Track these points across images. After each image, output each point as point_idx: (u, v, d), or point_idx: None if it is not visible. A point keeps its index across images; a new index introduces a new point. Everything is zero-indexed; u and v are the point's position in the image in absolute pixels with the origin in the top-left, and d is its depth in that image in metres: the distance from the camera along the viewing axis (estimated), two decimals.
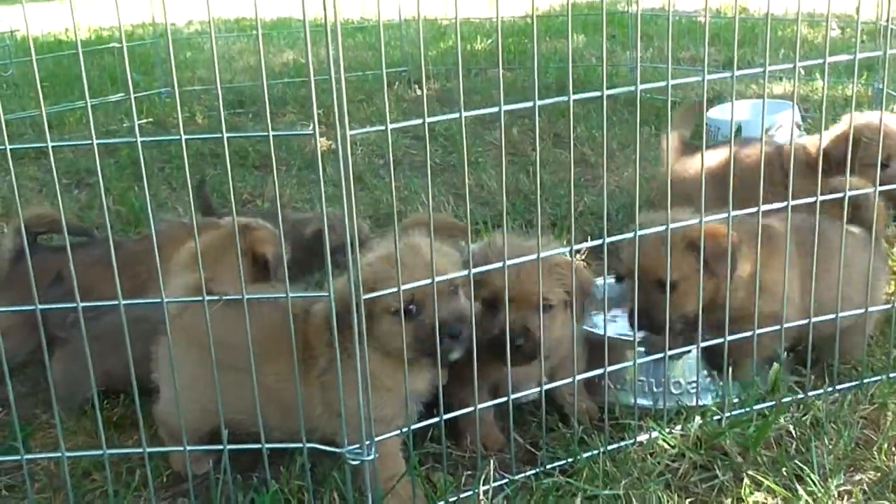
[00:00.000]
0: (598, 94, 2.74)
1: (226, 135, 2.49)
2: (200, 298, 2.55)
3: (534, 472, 2.88)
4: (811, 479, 2.73)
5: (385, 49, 7.57)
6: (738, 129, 5.85)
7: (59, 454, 2.65)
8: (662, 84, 2.85)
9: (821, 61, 2.97)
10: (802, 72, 7.00)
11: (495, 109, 2.59)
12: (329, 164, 6.03)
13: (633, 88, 2.80)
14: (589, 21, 9.54)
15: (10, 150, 2.45)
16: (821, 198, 3.05)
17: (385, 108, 2.48)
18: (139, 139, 2.49)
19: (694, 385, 3.20)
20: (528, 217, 5.02)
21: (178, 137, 2.50)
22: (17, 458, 2.69)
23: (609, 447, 2.93)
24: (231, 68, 8.71)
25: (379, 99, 7.55)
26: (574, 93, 2.68)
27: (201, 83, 8.27)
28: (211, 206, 4.54)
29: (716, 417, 3.04)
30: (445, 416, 2.73)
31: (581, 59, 8.35)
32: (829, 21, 3.02)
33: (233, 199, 2.57)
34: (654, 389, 3.22)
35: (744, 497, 2.71)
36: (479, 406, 2.75)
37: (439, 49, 9.15)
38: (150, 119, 7.48)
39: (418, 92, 7.87)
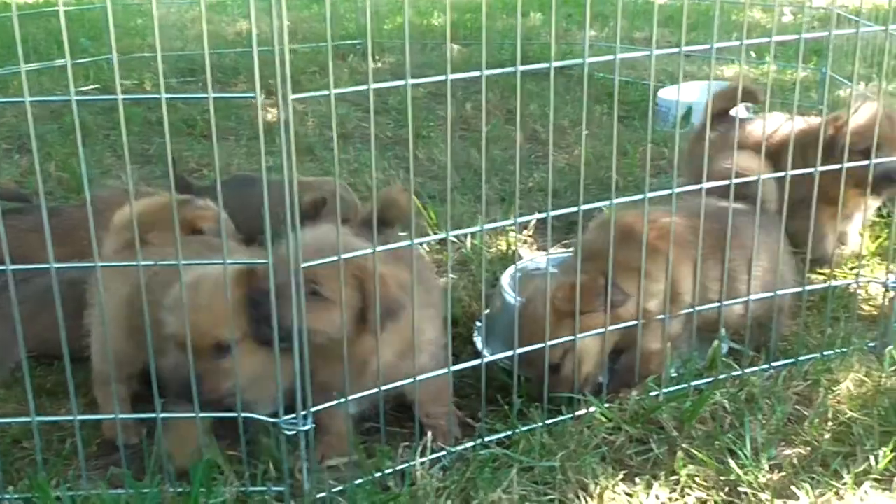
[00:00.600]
0: (546, 66, 2.73)
1: (164, 96, 2.43)
2: (135, 263, 2.51)
3: (471, 444, 2.88)
4: (743, 452, 2.76)
5: (341, 21, 7.50)
6: (689, 111, 5.89)
7: None
8: (610, 58, 2.85)
9: (768, 40, 2.98)
10: (753, 54, 7.06)
11: (443, 78, 2.57)
12: (278, 134, 5.99)
13: (580, 61, 2.79)
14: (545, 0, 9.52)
15: None
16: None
17: (330, 73, 2.43)
18: (73, 98, 2.42)
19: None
20: (478, 192, 5.00)
21: (115, 97, 2.43)
22: None
23: (547, 421, 2.95)
24: (183, 36, 8.58)
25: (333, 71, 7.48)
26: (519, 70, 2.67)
27: (151, 50, 8.13)
28: (189, 186, 4.45)
29: (653, 393, 3.06)
30: (384, 387, 2.72)
31: (537, 38, 8.34)
32: (780, 6, 3.03)
33: (171, 167, 2.52)
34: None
35: (677, 470, 2.74)
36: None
37: (395, 23, 9.08)
38: (97, 85, 7.34)
39: (373, 65, 7.81)
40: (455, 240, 4.28)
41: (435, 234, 4.35)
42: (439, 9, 9.41)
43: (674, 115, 5.93)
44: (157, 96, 2.45)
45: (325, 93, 2.46)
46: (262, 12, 2.28)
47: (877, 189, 3.66)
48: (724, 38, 2.97)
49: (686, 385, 3.09)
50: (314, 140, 5.91)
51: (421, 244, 4.16)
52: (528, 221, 4.42)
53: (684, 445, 2.82)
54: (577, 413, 2.99)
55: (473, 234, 4.19)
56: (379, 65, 7.85)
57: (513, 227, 2.86)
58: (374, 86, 2.51)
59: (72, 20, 8.37)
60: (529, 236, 4.50)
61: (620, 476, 2.74)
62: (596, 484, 2.69)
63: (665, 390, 3.07)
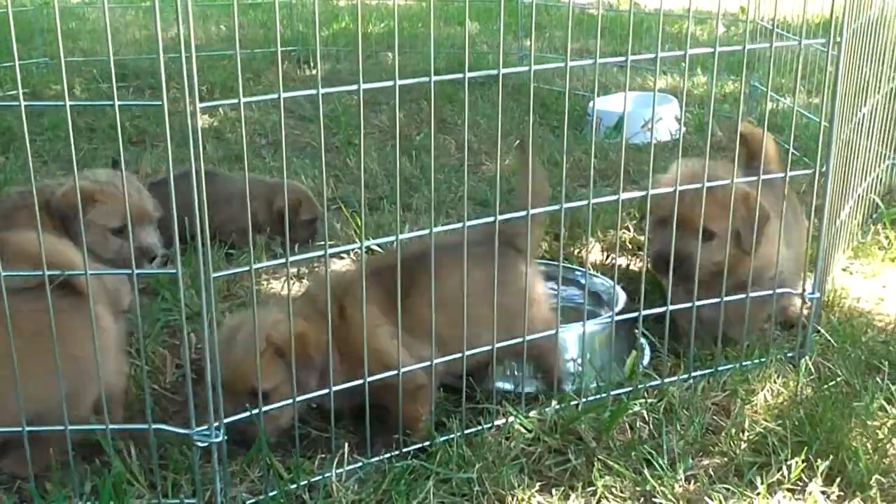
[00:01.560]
0: (494, 72, 2.74)
1: (68, 103, 2.38)
2: (41, 273, 2.45)
3: (388, 455, 2.86)
4: (659, 463, 2.78)
5: (280, 27, 7.38)
6: (619, 121, 5.94)
7: None
8: (559, 65, 2.86)
9: (682, 53, 3.02)
10: (683, 65, 7.14)
11: (354, 87, 2.55)
12: (209, 140, 5.92)
13: (527, 69, 2.80)
14: (482, 9, 9.54)
15: None
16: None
17: (238, 82, 2.41)
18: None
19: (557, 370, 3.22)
20: (408, 200, 4.99)
21: (19, 104, 2.38)
22: None
23: (466, 431, 2.93)
24: (116, 40, 8.44)
25: (266, 77, 7.42)
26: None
27: (83, 54, 8.01)
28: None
29: (573, 402, 3.07)
30: (299, 399, 2.69)
31: (472, 47, 8.36)
32: (719, 18, 3.06)
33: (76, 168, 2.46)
34: (516, 373, 3.23)
35: (594, 481, 2.74)
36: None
37: (332, 30, 9.03)
38: (27, 89, 7.20)
39: (308, 72, 7.76)
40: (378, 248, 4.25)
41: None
42: (377, 17, 9.39)
43: (606, 126, 6.00)
44: (62, 103, 2.39)
45: (235, 101, 2.43)
46: (197, 18, 2.27)
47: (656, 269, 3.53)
48: (652, 50, 3.00)
49: (605, 395, 3.10)
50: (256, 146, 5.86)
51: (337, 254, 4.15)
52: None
53: (602, 456, 2.83)
54: (497, 423, 2.98)
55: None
56: (313, 72, 7.80)
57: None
58: (284, 94, 2.48)
59: (2, 23, 8.19)
60: None
61: (537, 487, 2.73)
62: (513, 496, 2.69)
63: (584, 400, 3.07)
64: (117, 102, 2.40)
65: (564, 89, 2.88)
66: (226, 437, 2.53)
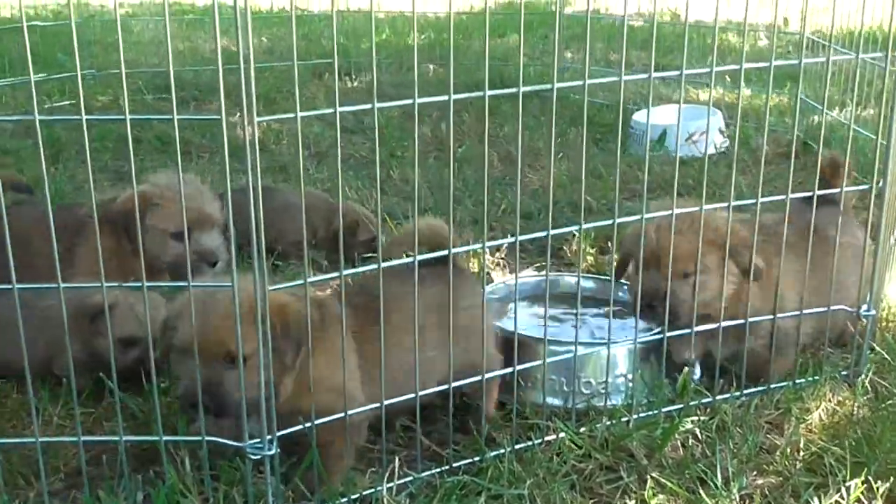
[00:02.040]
0: (514, 90, 2.72)
1: (129, 116, 2.40)
2: (98, 284, 2.47)
3: (439, 470, 2.84)
4: (714, 482, 2.74)
5: (318, 40, 7.49)
6: (663, 134, 5.91)
7: None
8: (579, 83, 2.84)
9: (737, 67, 2.99)
10: (728, 78, 7.09)
11: (410, 101, 2.55)
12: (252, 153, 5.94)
13: (548, 86, 2.78)
14: (524, 21, 9.54)
15: None
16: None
17: (296, 94, 2.41)
18: (37, 118, 2.39)
19: (604, 385, 3.20)
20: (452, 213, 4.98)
21: (80, 118, 2.40)
22: None
23: (516, 446, 2.92)
24: (160, 52, 8.53)
25: (308, 89, 7.46)
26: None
27: (128, 66, 8.08)
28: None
29: (624, 419, 3.04)
30: (350, 412, 2.69)
31: (514, 59, 8.35)
32: (746, 28, 3.04)
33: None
34: (565, 389, 3.21)
35: (647, 499, 2.71)
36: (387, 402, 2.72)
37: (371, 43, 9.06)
38: (73, 101, 7.29)
39: (349, 84, 7.80)
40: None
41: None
42: (417, 29, 9.42)
43: (649, 138, 5.96)
44: (122, 117, 2.41)
45: (292, 115, 2.44)
46: (242, 31, 2.26)
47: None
48: (700, 62, 2.97)
49: (656, 412, 3.07)
50: (288, 159, 5.88)
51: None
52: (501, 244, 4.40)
53: (654, 474, 2.80)
54: (547, 439, 2.97)
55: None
56: (355, 84, 7.84)
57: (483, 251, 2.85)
58: (341, 109, 2.49)
59: (49, 35, 8.30)
60: (502, 259, 4.47)
61: None
62: None
63: (635, 416, 3.04)
64: (176, 116, 2.39)
65: (609, 102, 2.88)
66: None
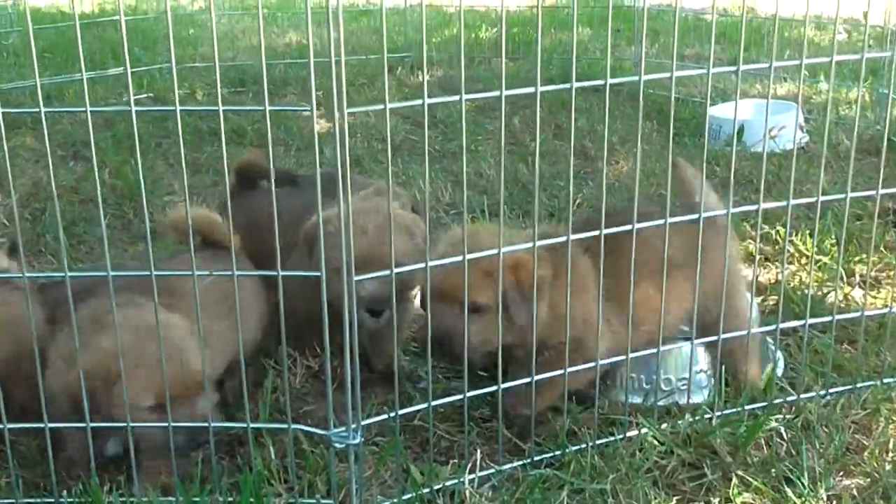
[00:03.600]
0: (601, 82, 2.70)
1: (221, 108, 2.44)
2: (190, 272, 2.51)
3: (521, 463, 2.85)
4: (801, 481, 2.70)
5: (389, 34, 7.53)
6: (741, 129, 5.82)
7: None
8: (666, 75, 2.81)
9: (828, 60, 2.92)
10: (807, 73, 6.97)
11: (497, 93, 2.55)
12: (326, 145, 5.99)
13: (636, 78, 2.76)
14: (595, 15, 9.47)
15: (3, 115, 2.41)
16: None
17: (385, 87, 2.42)
18: (133, 109, 2.44)
19: (685, 382, 3.17)
20: (526, 207, 4.98)
21: (174, 108, 2.44)
22: None
23: (597, 441, 2.90)
24: (234, 47, 8.64)
25: (381, 83, 7.49)
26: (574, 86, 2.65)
27: (203, 60, 8.21)
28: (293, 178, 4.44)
29: (706, 416, 3.01)
30: (434, 403, 2.70)
31: (585, 53, 8.31)
32: (837, 24, 2.98)
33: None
34: (644, 386, 3.19)
35: (732, 497, 2.68)
36: (469, 394, 2.73)
37: (443, 36, 9.09)
38: (150, 94, 7.42)
39: (420, 77, 7.81)
40: None
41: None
42: (487, 22, 9.41)
43: (726, 133, 5.88)
44: (214, 108, 2.44)
45: (381, 107, 2.45)
46: (316, 25, 2.28)
47: None
48: (778, 55, 2.92)
49: (740, 409, 3.03)
50: (362, 152, 5.92)
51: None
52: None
53: (739, 472, 2.76)
54: (628, 434, 2.95)
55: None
56: (427, 78, 7.86)
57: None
58: (429, 101, 2.49)
59: (125, 30, 8.47)
60: None
61: (673, 501, 2.69)
62: None
63: (718, 413, 3.01)
64: (268, 108, 2.42)
65: (681, 96, 2.81)
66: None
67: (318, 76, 2.33)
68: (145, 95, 7.34)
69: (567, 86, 2.66)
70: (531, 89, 2.60)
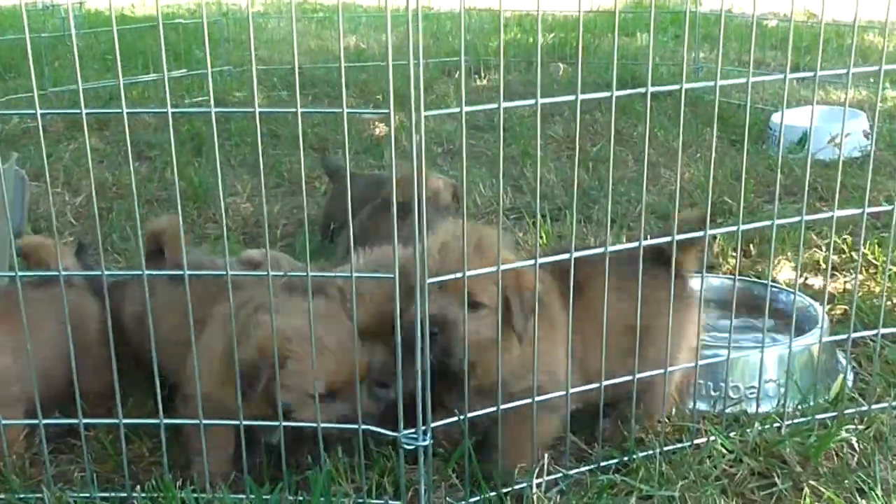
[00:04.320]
0: (676, 87, 2.68)
1: (300, 110, 2.47)
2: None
3: (588, 468, 2.84)
4: (874, 493, 2.66)
5: (446, 38, 7.61)
6: (804, 136, 5.75)
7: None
8: (709, 84, 2.79)
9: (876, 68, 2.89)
10: (872, 80, 6.87)
11: (531, 102, 2.53)
12: (385, 148, 6.03)
13: (678, 87, 2.73)
14: (654, 20, 9.43)
15: (85, 115, 2.47)
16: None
17: (462, 90, 2.43)
18: (213, 109, 2.48)
19: (753, 391, 3.14)
20: (588, 212, 4.97)
21: (252, 110, 2.48)
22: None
23: (665, 448, 2.89)
24: (292, 50, 8.72)
25: (439, 87, 7.53)
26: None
27: (262, 63, 8.30)
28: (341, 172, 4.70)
29: (775, 425, 2.98)
30: (503, 406, 2.70)
31: (644, 58, 8.24)
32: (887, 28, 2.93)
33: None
34: (712, 393, 3.17)
35: None
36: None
37: (499, 41, 9.09)
38: (207, 97, 7.51)
39: (478, 82, 7.83)
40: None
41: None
42: (545, 27, 9.40)
43: (788, 140, 5.82)
44: (292, 110, 2.47)
45: (457, 110, 2.46)
46: (369, 29, 2.32)
47: None
48: (839, 62, 2.88)
49: (810, 418, 2.99)
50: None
51: None
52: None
53: (811, 482, 2.73)
54: (696, 442, 2.93)
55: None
56: (484, 82, 7.87)
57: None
58: (505, 105, 2.50)
59: (186, 32, 8.59)
60: None
61: None
62: None
63: (787, 423, 2.98)
64: (346, 110, 2.44)
65: (743, 102, 2.78)
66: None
67: (381, 80, 2.35)
68: (206, 98, 7.43)
69: (607, 94, 2.65)
70: (571, 97, 2.60)
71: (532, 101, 2.51)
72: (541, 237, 4.51)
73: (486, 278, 2.61)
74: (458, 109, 2.47)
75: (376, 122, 6.61)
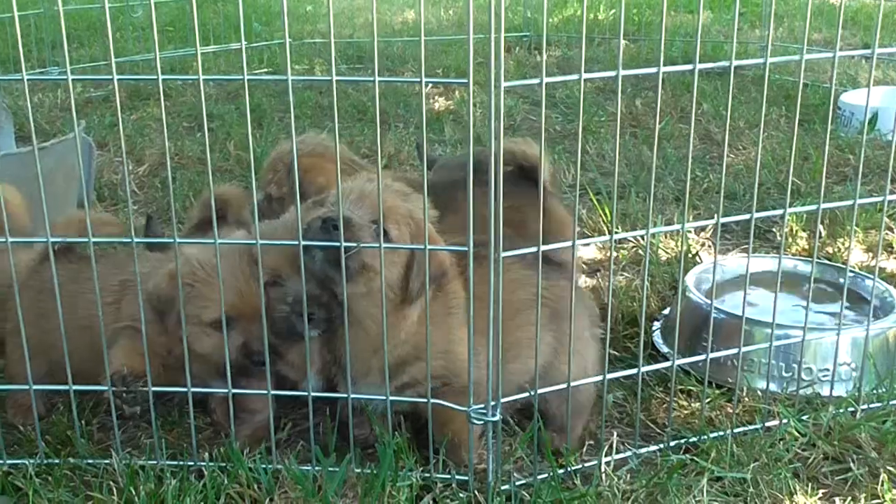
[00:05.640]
0: (726, 64, 2.61)
1: (377, 79, 2.44)
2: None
3: (657, 447, 2.80)
4: None
5: (506, 14, 7.57)
6: (875, 116, 5.62)
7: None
8: (794, 58, 2.71)
9: None
10: None
11: (613, 73, 2.48)
12: (447, 123, 6.00)
13: (761, 61, 2.66)
14: None
15: (161, 80, 2.47)
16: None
17: (542, 61, 2.39)
18: (290, 77, 2.47)
19: (826, 373, 3.07)
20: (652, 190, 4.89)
21: (329, 78, 2.45)
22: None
23: (735, 430, 2.84)
24: (351, 24, 8.72)
25: (484, 63, 7.44)
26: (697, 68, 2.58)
27: (321, 36, 8.29)
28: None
29: (849, 409, 2.91)
30: (573, 384, 2.67)
31: (706, 36, 8.12)
32: None
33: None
34: (784, 374, 3.11)
35: (880, 494, 2.59)
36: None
37: (561, 16, 9.00)
38: (269, 69, 7.54)
39: (538, 58, 7.75)
40: (632, 239, 4.23)
41: (606, 233, 4.29)
42: (606, 3, 9.28)
43: (858, 121, 5.69)
44: (370, 79, 2.44)
45: (536, 80, 2.43)
46: (431, 4, 2.28)
47: None
48: None
49: (886, 403, 2.93)
50: (481, 130, 5.88)
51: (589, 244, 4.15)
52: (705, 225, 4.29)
53: (888, 468, 2.67)
54: (768, 424, 2.88)
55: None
56: (546, 57, 7.78)
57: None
58: (586, 76, 2.45)
59: (244, 5, 8.61)
60: (707, 239, 4.35)
61: (819, 494, 2.61)
62: (792, 501, 2.58)
63: (863, 407, 2.91)
64: (424, 79, 2.42)
65: (809, 82, 2.70)
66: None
67: (437, 54, 2.32)
68: (264, 70, 7.46)
69: (690, 67, 2.59)
70: (652, 69, 2.54)
71: (613, 73, 2.46)
72: (605, 214, 4.45)
73: (403, 221, 2.55)
74: (537, 80, 2.43)
75: (436, 97, 6.57)
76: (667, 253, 4.15)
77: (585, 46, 7.56)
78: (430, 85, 6.92)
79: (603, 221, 4.42)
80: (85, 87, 6.88)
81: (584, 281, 3.91)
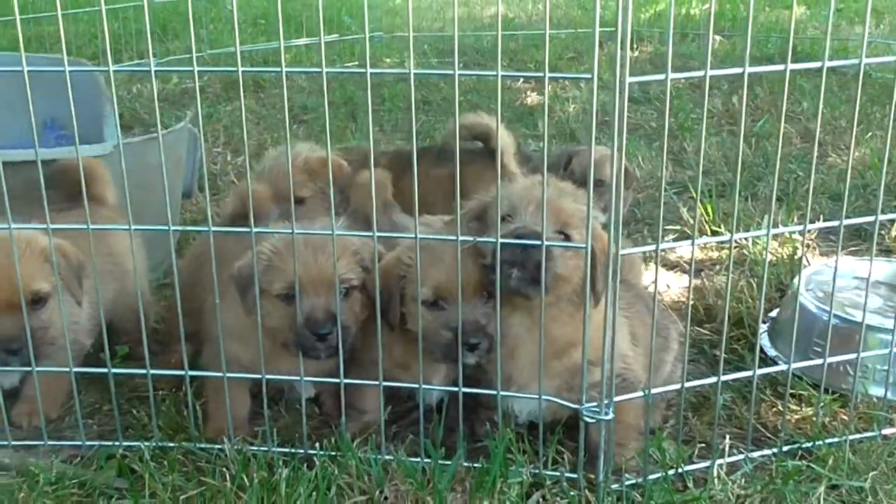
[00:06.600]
0: (818, 64, 2.53)
1: (502, 73, 2.43)
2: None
3: (770, 452, 2.75)
4: None
5: (598, 9, 7.48)
6: None
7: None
8: (891, 59, 2.62)
9: None
10: None
11: (739, 70, 2.43)
12: (539, 117, 5.96)
13: (856, 62, 2.58)
14: None
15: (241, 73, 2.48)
16: None
17: (668, 55, 2.36)
18: (411, 71, 2.47)
19: None
20: (751, 190, 4.81)
21: (452, 72, 2.45)
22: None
23: (851, 437, 2.77)
24: (441, 17, 8.72)
25: (589, 58, 7.38)
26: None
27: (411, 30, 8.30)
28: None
29: None
30: (687, 385, 2.63)
31: (803, 32, 7.94)
32: None
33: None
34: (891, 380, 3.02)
35: None
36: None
37: (653, 12, 8.89)
38: (359, 62, 7.58)
39: (631, 53, 7.66)
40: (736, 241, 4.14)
41: (713, 232, 4.23)
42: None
43: None
44: (493, 73, 2.43)
45: (662, 76, 2.40)
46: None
47: None
48: None
49: None
50: (577, 126, 5.85)
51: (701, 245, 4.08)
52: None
53: None
54: (885, 432, 2.80)
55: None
56: (637, 54, 7.70)
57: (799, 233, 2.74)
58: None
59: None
60: (812, 241, 4.26)
61: None
62: None
63: None
64: (548, 74, 2.40)
65: None
66: None
67: (531, 48, 2.30)
68: (355, 63, 7.50)
69: (780, 67, 2.52)
70: (739, 70, 2.47)
71: (701, 73, 2.41)
72: (706, 213, 4.38)
73: (583, 224, 2.52)
74: (662, 76, 2.40)
75: (528, 91, 6.55)
76: (772, 254, 4.07)
77: (679, 43, 7.47)
78: (522, 80, 6.90)
79: (705, 220, 4.34)
80: (181, 78, 7.00)
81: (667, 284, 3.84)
